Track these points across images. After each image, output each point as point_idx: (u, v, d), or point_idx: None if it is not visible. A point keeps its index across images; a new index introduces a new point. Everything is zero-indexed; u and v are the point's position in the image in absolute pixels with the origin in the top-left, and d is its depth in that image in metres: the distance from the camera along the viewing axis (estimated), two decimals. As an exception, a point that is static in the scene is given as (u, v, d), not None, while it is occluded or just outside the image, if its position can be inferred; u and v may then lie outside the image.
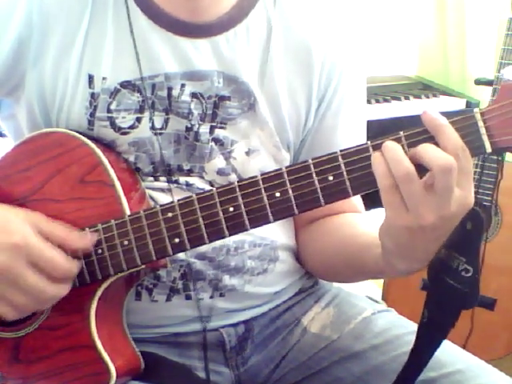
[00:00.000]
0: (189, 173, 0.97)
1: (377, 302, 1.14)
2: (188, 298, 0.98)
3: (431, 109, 0.77)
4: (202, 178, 0.98)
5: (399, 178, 0.75)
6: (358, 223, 1.03)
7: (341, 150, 0.79)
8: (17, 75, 0.96)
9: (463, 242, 0.82)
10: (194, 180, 0.97)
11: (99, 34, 0.94)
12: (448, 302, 0.83)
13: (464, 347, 1.01)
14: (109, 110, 0.94)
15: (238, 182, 0.82)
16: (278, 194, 0.81)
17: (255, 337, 1.06)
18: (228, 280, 0.99)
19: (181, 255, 0.94)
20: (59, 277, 0.84)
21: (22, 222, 0.85)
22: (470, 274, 0.81)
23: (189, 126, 0.96)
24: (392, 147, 0.76)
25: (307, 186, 0.80)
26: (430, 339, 0.87)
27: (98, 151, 0.89)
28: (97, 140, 0.93)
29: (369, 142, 0.79)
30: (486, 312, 1.97)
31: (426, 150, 0.75)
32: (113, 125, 0.94)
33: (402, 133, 0.78)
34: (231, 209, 0.82)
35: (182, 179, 0.97)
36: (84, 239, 0.86)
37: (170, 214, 0.84)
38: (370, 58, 2.10)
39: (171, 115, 0.96)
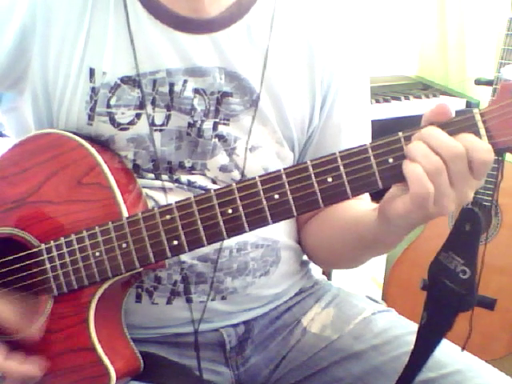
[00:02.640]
0: (190, 170, 0.97)
1: (377, 302, 1.14)
2: (188, 301, 0.97)
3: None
4: (204, 175, 0.97)
5: (449, 158, 0.74)
6: (355, 204, 1.01)
7: (340, 152, 0.79)
8: (20, 67, 0.96)
9: (461, 244, 0.81)
10: (196, 178, 0.97)
11: (101, 28, 0.94)
12: (446, 303, 0.83)
13: (463, 349, 1.01)
14: (108, 105, 0.94)
15: (236, 183, 0.82)
16: (276, 196, 0.80)
17: (255, 337, 1.06)
18: (230, 282, 0.99)
19: (183, 257, 0.94)
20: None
21: None
22: (467, 276, 0.81)
23: (191, 122, 0.96)
24: (434, 132, 0.76)
25: (306, 188, 0.80)
26: (429, 341, 0.87)
27: (95, 152, 0.89)
28: (93, 137, 0.93)
29: (367, 144, 0.78)
30: (486, 312, 1.97)
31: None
32: (112, 120, 0.94)
33: (400, 133, 0.78)
34: (230, 211, 0.82)
35: (184, 177, 0.97)
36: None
37: (168, 217, 0.84)
38: (371, 58, 2.09)
39: (173, 111, 0.95)
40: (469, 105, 2.22)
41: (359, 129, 1.08)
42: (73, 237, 0.87)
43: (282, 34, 1.00)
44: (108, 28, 0.94)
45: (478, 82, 2.09)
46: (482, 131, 0.75)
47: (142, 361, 0.94)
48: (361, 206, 0.99)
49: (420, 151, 0.75)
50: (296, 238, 1.09)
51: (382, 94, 2.14)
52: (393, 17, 2.44)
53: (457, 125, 0.76)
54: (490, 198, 1.94)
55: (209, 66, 0.96)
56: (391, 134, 0.78)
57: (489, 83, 1.97)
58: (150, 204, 0.95)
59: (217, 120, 0.97)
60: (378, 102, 2.05)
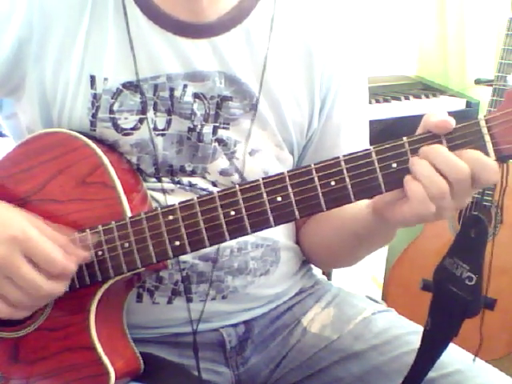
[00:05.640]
0: (191, 173, 0.97)
1: (377, 302, 1.14)
2: (189, 300, 0.97)
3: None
4: (204, 178, 0.98)
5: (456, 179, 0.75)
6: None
7: (343, 155, 0.79)
8: (17, 75, 0.96)
9: (466, 250, 0.81)
10: (197, 180, 0.97)
11: (100, 35, 0.94)
12: (451, 309, 0.83)
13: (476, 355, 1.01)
14: (111, 111, 0.94)
15: (239, 185, 0.82)
16: (279, 199, 0.80)
17: (255, 337, 1.06)
18: (231, 281, 0.99)
19: (184, 256, 0.94)
20: (56, 273, 0.83)
21: (23, 217, 0.85)
22: (473, 282, 0.80)
23: (191, 126, 0.96)
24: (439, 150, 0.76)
25: (309, 191, 0.80)
26: (434, 347, 0.87)
27: (100, 152, 0.89)
28: (99, 141, 0.93)
29: (371, 148, 0.78)
30: (486, 312, 1.96)
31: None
32: (115, 126, 0.94)
33: (405, 138, 0.78)
34: (232, 212, 0.82)
35: (185, 179, 0.97)
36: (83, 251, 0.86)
37: (170, 217, 0.84)
38: (370, 58, 2.09)
39: (174, 116, 0.96)
40: (469, 105, 2.22)
41: (358, 129, 1.08)
42: (76, 235, 0.87)
43: (281, 37, 1.00)
44: (108, 34, 0.94)
45: (478, 82, 2.09)
46: (487, 138, 0.75)
47: (142, 362, 0.94)
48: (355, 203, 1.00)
49: (426, 172, 0.75)
50: (295, 240, 1.10)
51: (381, 93, 2.14)
52: (392, 16, 2.44)
53: (460, 131, 0.76)
54: (490, 199, 1.94)
55: (209, 71, 0.96)
56: (395, 139, 0.78)
57: (489, 83, 1.97)
58: (154, 205, 0.95)
59: (216, 124, 0.97)
60: (378, 102, 2.05)
